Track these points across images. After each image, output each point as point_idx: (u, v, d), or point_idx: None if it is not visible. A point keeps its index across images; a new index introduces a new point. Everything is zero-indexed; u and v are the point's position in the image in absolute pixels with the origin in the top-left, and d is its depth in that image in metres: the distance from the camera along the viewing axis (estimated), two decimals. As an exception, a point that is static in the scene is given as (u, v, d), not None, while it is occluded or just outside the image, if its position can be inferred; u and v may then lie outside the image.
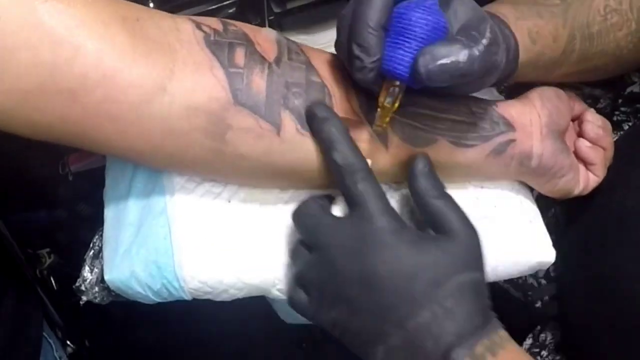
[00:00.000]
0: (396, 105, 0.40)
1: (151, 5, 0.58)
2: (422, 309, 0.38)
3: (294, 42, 0.45)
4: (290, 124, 0.41)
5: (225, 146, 0.40)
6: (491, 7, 0.49)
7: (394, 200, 0.48)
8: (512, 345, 0.40)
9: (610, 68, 0.55)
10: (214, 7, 0.61)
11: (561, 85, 0.53)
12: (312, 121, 0.42)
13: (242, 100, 0.40)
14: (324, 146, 0.41)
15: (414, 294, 0.38)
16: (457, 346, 0.38)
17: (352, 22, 0.39)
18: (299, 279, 0.43)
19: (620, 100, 0.67)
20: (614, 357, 0.53)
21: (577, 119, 0.54)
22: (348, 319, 0.40)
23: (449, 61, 0.37)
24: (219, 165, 0.42)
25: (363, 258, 0.39)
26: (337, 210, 0.46)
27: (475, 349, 0.38)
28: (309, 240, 0.42)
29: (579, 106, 0.54)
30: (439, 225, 0.41)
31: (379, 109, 0.40)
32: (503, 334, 0.40)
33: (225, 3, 0.62)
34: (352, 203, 0.41)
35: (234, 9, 0.63)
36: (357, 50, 0.39)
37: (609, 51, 0.52)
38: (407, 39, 0.38)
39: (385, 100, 0.40)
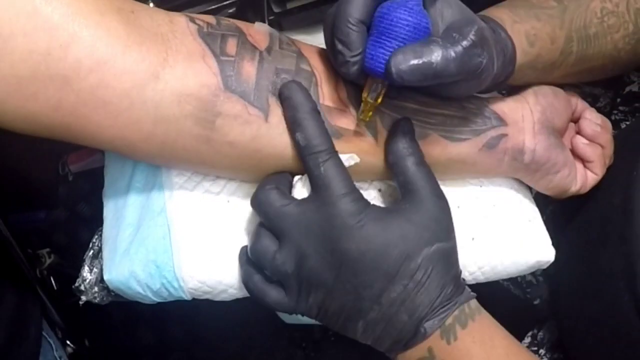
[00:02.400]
0: (379, 100, 0.41)
1: (151, 4, 0.58)
2: (394, 284, 0.40)
3: (285, 35, 0.45)
4: (278, 110, 0.42)
5: (214, 133, 0.40)
6: (489, 11, 0.49)
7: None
8: (481, 316, 0.42)
9: (608, 69, 0.55)
10: (213, 7, 0.62)
11: (561, 84, 0.53)
12: (281, 101, 0.42)
13: (232, 87, 0.40)
14: (289, 126, 0.41)
15: (386, 270, 0.40)
16: (428, 318, 0.40)
17: (334, 18, 0.40)
18: (273, 274, 0.43)
19: (619, 100, 0.68)
20: (604, 355, 0.53)
21: (581, 114, 0.54)
22: (326, 302, 0.41)
23: (420, 62, 0.38)
24: (208, 153, 0.42)
25: (331, 242, 0.40)
26: (299, 189, 0.43)
27: (446, 320, 0.40)
28: (275, 230, 0.42)
29: (580, 105, 0.54)
30: (409, 193, 0.42)
31: (362, 103, 0.42)
32: (474, 304, 0.42)
33: (225, 3, 0.62)
34: (315, 185, 0.41)
35: (234, 9, 0.63)
36: (339, 45, 0.40)
37: (606, 53, 0.52)
38: (388, 39, 0.39)
39: (368, 95, 0.41)
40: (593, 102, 0.74)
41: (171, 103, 0.39)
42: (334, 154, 0.41)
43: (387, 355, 0.43)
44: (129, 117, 0.38)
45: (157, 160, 0.45)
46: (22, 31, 0.34)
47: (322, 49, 0.46)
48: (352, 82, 0.44)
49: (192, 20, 0.41)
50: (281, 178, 0.43)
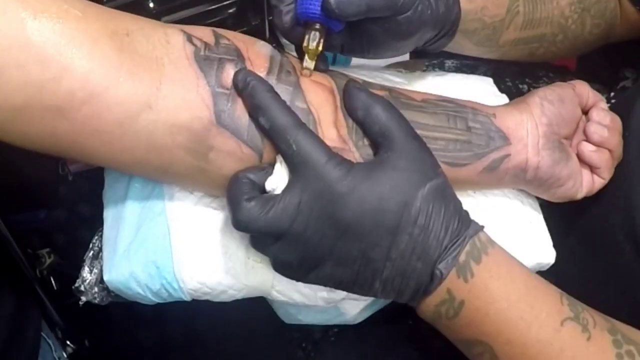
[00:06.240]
0: (319, 48, 0.44)
1: (151, 5, 0.57)
2: (400, 236, 0.39)
3: (287, 57, 0.45)
4: (271, 155, 0.41)
5: (208, 165, 0.41)
6: None
7: None
8: (494, 250, 0.41)
9: (558, 41, 0.55)
10: (214, 7, 0.61)
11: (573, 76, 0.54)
12: (238, 93, 0.40)
13: (224, 122, 0.40)
14: (252, 114, 0.40)
15: (388, 225, 0.39)
16: (441, 259, 0.39)
17: None
18: (275, 262, 0.41)
19: (612, 94, 0.70)
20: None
21: (588, 112, 0.52)
22: (336, 273, 0.40)
23: None
24: (202, 181, 0.42)
25: (327, 217, 0.38)
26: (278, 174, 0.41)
27: (459, 258, 0.40)
28: (271, 235, 0.40)
29: (592, 98, 0.52)
30: (386, 140, 0.41)
31: (305, 55, 0.44)
32: (484, 237, 0.41)
33: (225, 3, 0.62)
34: (293, 165, 0.39)
35: (234, 8, 0.63)
36: (273, 1, 0.43)
37: (554, 20, 0.54)
38: None
39: (308, 44, 0.43)
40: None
41: (163, 133, 0.39)
42: (301, 126, 0.39)
43: (411, 305, 0.43)
44: (122, 144, 0.39)
45: (155, 179, 0.45)
46: (15, 63, 0.34)
47: (321, 77, 0.45)
48: (351, 117, 0.43)
49: (190, 39, 0.41)
50: (246, 183, 0.40)
